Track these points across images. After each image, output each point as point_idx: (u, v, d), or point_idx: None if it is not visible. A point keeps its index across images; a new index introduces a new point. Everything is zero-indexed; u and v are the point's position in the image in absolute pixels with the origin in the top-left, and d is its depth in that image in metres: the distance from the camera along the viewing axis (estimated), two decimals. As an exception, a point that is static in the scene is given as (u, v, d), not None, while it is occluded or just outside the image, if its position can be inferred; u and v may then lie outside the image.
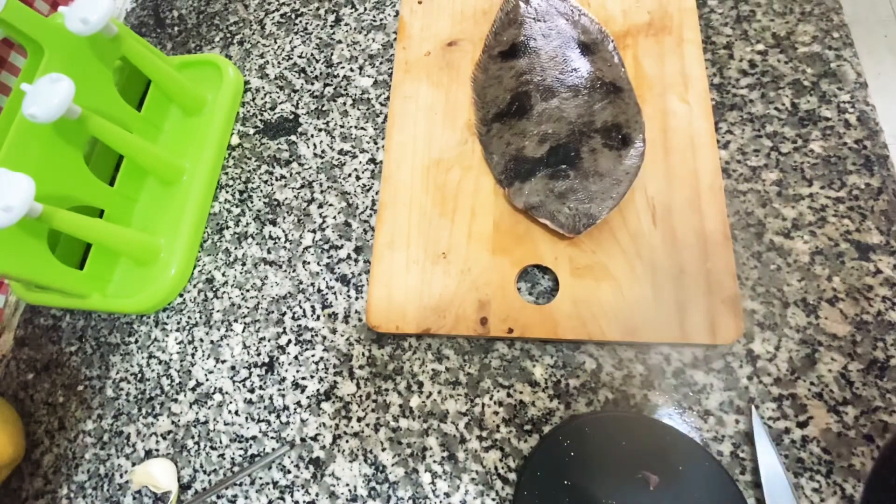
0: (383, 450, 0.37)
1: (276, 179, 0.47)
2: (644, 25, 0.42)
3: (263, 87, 0.51)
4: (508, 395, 0.36)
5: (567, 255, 0.37)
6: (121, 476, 0.41)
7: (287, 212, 0.45)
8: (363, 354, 0.39)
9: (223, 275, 0.45)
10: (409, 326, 0.37)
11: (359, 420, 0.38)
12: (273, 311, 0.42)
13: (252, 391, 0.41)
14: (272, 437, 0.39)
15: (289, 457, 0.38)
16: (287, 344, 0.41)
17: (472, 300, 0.37)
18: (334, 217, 0.44)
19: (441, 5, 0.47)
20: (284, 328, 0.42)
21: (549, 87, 0.40)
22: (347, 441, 0.38)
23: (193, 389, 0.42)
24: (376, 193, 0.44)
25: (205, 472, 0.39)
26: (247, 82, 0.52)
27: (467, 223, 0.39)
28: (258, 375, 0.41)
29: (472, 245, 0.38)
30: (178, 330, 0.44)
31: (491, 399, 0.36)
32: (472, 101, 0.43)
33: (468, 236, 0.39)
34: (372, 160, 0.45)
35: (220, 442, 0.40)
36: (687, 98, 0.39)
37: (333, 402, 0.39)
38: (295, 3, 0.54)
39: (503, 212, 0.39)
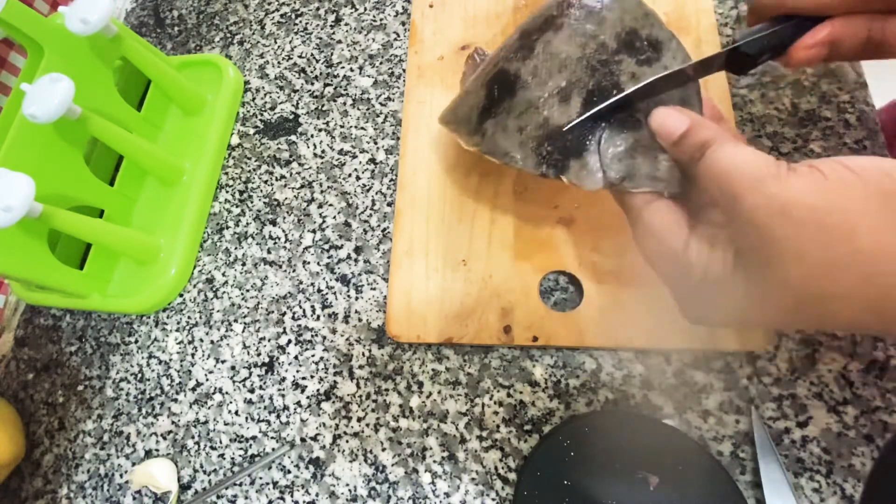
0: (383, 450, 0.37)
1: (276, 179, 0.47)
2: None
3: (263, 87, 0.51)
4: (508, 395, 0.36)
5: (591, 260, 0.36)
6: (121, 476, 0.41)
7: (287, 212, 0.45)
8: (363, 354, 0.39)
9: (223, 275, 0.45)
10: (431, 336, 0.37)
11: (359, 420, 0.38)
12: (273, 311, 0.42)
13: (252, 391, 0.41)
14: (272, 437, 0.39)
15: (289, 457, 0.38)
16: (287, 344, 0.41)
17: (495, 308, 0.37)
18: (334, 217, 0.44)
19: (452, 9, 0.47)
20: (284, 328, 0.42)
21: (521, 46, 0.32)
22: (347, 441, 0.38)
23: (193, 389, 0.42)
24: (376, 193, 0.44)
25: (205, 472, 0.39)
26: (247, 82, 0.52)
27: (487, 229, 0.39)
28: (258, 375, 0.41)
29: (492, 251, 0.38)
30: (178, 330, 0.44)
31: (491, 399, 0.36)
32: (451, 137, 0.37)
33: (488, 243, 0.38)
34: (372, 160, 0.45)
35: (220, 442, 0.40)
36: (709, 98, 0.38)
37: (333, 402, 0.39)
38: (295, 3, 0.54)
39: (523, 217, 0.38)
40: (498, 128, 0.32)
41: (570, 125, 0.29)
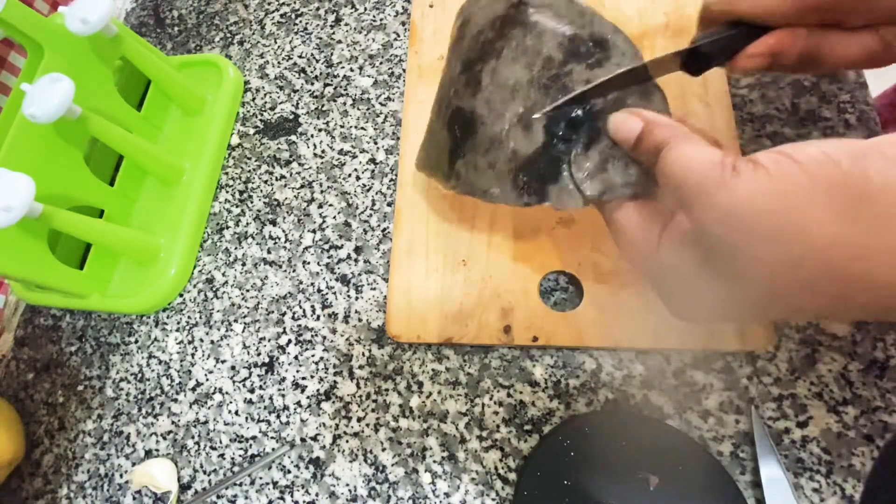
0: (383, 450, 0.37)
1: (276, 179, 0.47)
2: (661, 27, 0.41)
3: (263, 87, 0.51)
4: (508, 395, 0.36)
5: (590, 260, 0.36)
6: (121, 476, 0.41)
7: (287, 212, 0.45)
8: (363, 354, 0.39)
9: (223, 275, 0.45)
10: (431, 336, 0.37)
11: (359, 420, 0.38)
12: (273, 311, 0.42)
13: (252, 391, 0.41)
14: (272, 437, 0.39)
15: (289, 457, 0.38)
16: (287, 344, 0.41)
17: (495, 308, 0.37)
18: (334, 217, 0.44)
19: (452, 9, 0.46)
20: (284, 328, 0.42)
21: (468, 81, 0.31)
22: (347, 441, 0.38)
23: (193, 389, 0.42)
24: (376, 193, 0.44)
25: (205, 472, 0.39)
26: (247, 82, 0.52)
27: (487, 230, 0.39)
28: (258, 375, 0.41)
29: (492, 252, 0.38)
30: (178, 330, 0.44)
31: (491, 399, 0.36)
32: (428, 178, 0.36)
33: (488, 243, 0.38)
34: (372, 160, 0.45)
35: (220, 442, 0.40)
36: (707, 99, 0.38)
37: (333, 402, 0.39)
38: (295, 3, 0.54)
39: (523, 217, 0.38)
40: (469, 168, 0.31)
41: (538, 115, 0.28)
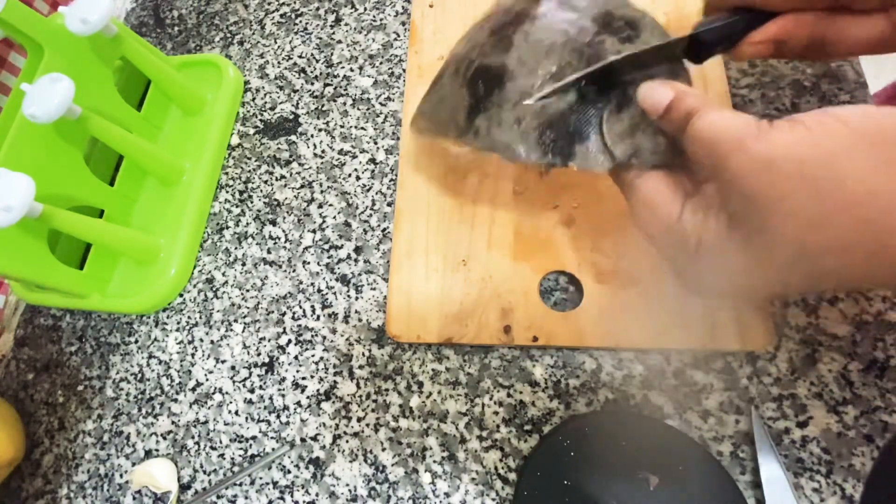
0: (383, 450, 0.37)
1: (276, 179, 0.47)
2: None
3: (263, 87, 0.51)
4: (508, 395, 0.36)
5: (590, 260, 0.36)
6: (121, 476, 0.41)
7: (287, 212, 0.45)
8: (363, 354, 0.39)
9: (223, 275, 0.45)
10: (431, 336, 0.37)
11: (359, 420, 0.38)
12: (273, 311, 0.42)
13: (252, 391, 0.41)
14: (272, 437, 0.39)
15: (289, 457, 0.38)
16: (287, 344, 0.41)
17: (495, 308, 0.37)
18: (334, 217, 0.44)
19: (452, 8, 0.47)
20: (284, 328, 0.42)
21: (497, 41, 0.32)
22: (347, 441, 0.38)
23: (193, 389, 0.42)
24: (376, 193, 0.44)
25: (205, 472, 0.39)
26: (247, 82, 0.52)
27: (487, 229, 0.39)
28: (258, 375, 0.41)
29: (492, 252, 0.38)
30: (178, 330, 0.44)
31: (491, 399, 0.36)
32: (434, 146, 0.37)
33: (488, 243, 0.38)
34: (372, 160, 0.45)
35: (220, 442, 0.40)
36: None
37: (333, 402, 0.39)
38: (295, 3, 0.54)
39: (523, 217, 0.38)
40: (492, 122, 0.31)
41: (549, 91, 0.29)
